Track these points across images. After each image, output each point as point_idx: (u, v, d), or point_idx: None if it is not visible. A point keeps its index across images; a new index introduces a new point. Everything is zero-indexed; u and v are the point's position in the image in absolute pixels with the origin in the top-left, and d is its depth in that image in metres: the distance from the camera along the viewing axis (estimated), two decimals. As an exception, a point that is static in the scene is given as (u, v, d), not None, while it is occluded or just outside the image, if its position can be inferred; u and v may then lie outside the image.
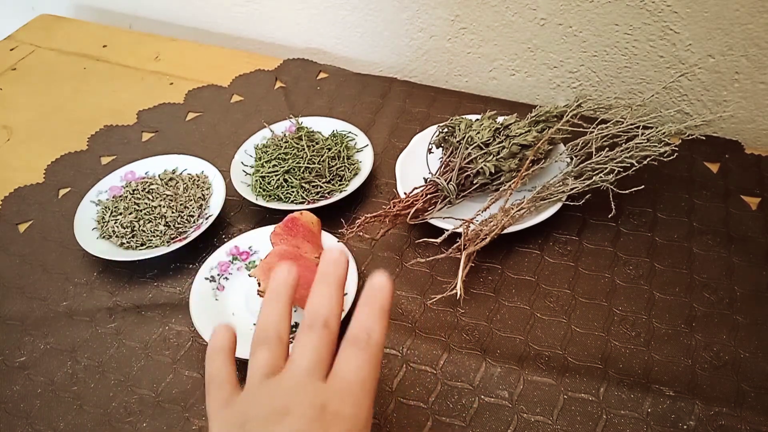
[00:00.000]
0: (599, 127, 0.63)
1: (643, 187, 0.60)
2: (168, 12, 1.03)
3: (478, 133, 0.62)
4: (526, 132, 0.62)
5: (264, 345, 0.36)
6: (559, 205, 0.61)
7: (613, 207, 0.59)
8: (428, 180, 0.62)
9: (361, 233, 0.59)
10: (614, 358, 0.52)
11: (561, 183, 0.61)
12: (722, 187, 0.66)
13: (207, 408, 0.35)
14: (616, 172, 0.59)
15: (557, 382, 0.51)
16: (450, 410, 0.50)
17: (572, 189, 0.60)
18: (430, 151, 0.66)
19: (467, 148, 0.62)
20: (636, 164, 0.59)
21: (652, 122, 0.63)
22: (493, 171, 0.61)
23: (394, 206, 0.60)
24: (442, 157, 0.64)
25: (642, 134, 0.61)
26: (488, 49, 0.81)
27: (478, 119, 0.65)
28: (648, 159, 0.59)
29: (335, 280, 0.37)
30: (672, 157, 0.59)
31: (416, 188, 0.61)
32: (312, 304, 0.36)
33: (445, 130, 0.65)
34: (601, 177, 0.59)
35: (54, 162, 0.77)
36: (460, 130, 0.64)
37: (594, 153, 0.61)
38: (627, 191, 0.59)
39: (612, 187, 0.59)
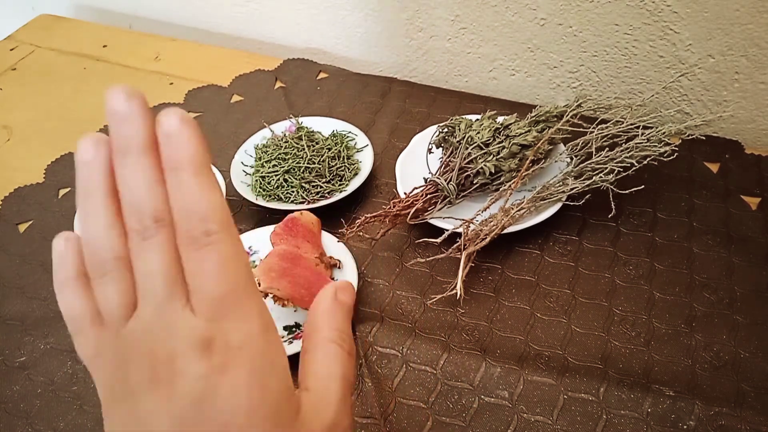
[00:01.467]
0: (599, 127, 0.63)
1: (643, 187, 0.60)
2: (168, 12, 1.03)
3: (478, 133, 0.62)
4: (526, 132, 0.62)
5: (103, 275, 0.26)
6: (559, 205, 0.61)
7: (613, 207, 0.59)
8: (428, 180, 0.62)
9: (361, 233, 0.59)
10: (614, 358, 0.52)
11: (561, 183, 0.61)
12: (722, 187, 0.66)
13: (80, 357, 0.27)
14: (616, 172, 0.59)
15: (557, 382, 0.51)
16: (450, 410, 0.50)
17: (572, 189, 0.60)
18: (430, 151, 0.66)
19: (467, 148, 0.62)
20: (636, 164, 0.59)
21: (652, 122, 0.63)
22: (493, 171, 0.61)
23: (394, 206, 0.60)
24: (442, 157, 0.64)
25: (642, 134, 0.61)
26: (488, 49, 0.81)
27: (478, 119, 0.65)
28: (648, 159, 0.59)
29: (137, 146, 0.24)
30: (672, 157, 0.59)
31: (416, 188, 0.61)
32: (129, 196, 0.25)
33: (445, 130, 0.65)
34: (601, 177, 0.59)
35: (54, 162, 0.77)
36: (460, 130, 0.64)
37: (594, 153, 0.61)
38: (627, 191, 0.59)
39: (612, 187, 0.59)
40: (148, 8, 1.04)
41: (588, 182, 0.60)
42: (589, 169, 0.61)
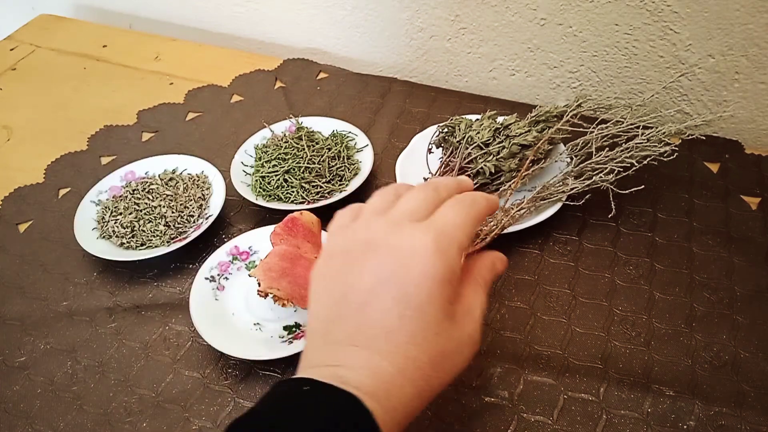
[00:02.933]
0: (599, 127, 0.63)
1: (643, 187, 0.60)
2: (168, 12, 1.03)
3: (478, 133, 0.62)
4: (526, 132, 0.62)
5: (379, 194, 0.42)
6: (559, 205, 0.61)
7: (613, 207, 0.59)
8: (428, 180, 0.62)
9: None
10: (614, 358, 0.52)
11: (561, 183, 0.61)
12: (722, 187, 0.66)
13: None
14: (616, 172, 0.59)
15: (557, 382, 0.51)
16: (450, 410, 0.50)
17: (572, 189, 0.60)
18: (430, 151, 0.66)
19: (467, 148, 0.62)
20: (636, 164, 0.59)
21: (652, 122, 0.63)
22: (493, 171, 0.61)
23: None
24: (442, 157, 0.64)
25: (642, 134, 0.61)
26: (488, 49, 0.81)
27: (478, 119, 0.65)
28: (648, 159, 0.59)
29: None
30: (672, 157, 0.59)
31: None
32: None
33: (445, 130, 0.65)
34: (601, 177, 0.59)
35: (54, 162, 0.77)
36: (460, 130, 0.64)
37: (594, 153, 0.61)
38: (627, 191, 0.59)
39: (612, 187, 0.59)
40: (148, 8, 1.04)
41: (588, 182, 0.60)
42: (589, 169, 0.61)
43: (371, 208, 0.42)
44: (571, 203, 0.61)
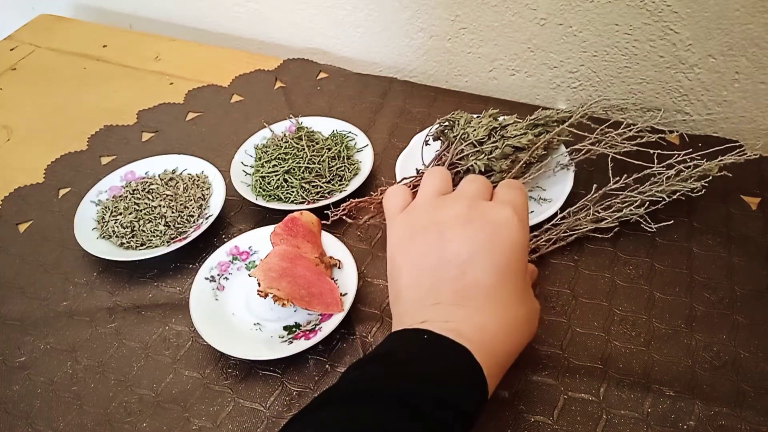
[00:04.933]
0: (600, 131, 0.63)
1: (672, 221, 0.60)
2: (168, 12, 1.03)
3: (475, 130, 0.62)
4: (521, 134, 0.62)
5: (433, 176, 0.46)
6: (559, 205, 0.61)
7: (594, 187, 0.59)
8: (419, 171, 0.62)
9: (360, 233, 0.59)
10: (614, 358, 0.52)
11: (590, 214, 0.60)
12: (722, 187, 0.65)
13: (386, 211, 0.47)
14: (646, 204, 0.59)
15: (557, 382, 0.51)
16: (450, 410, 0.50)
17: (602, 222, 0.59)
18: (426, 143, 0.66)
19: (461, 144, 0.61)
20: (666, 198, 0.59)
21: (652, 122, 0.63)
22: (483, 170, 0.60)
23: (381, 194, 0.60)
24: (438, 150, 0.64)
25: (674, 174, 0.60)
26: (488, 49, 0.81)
27: (479, 116, 0.65)
28: (677, 194, 0.59)
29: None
30: (700, 193, 0.60)
31: (406, 178, 0.61)
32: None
33: (445, 123, 0.64)
34: (631, 210, 0.59)
35: (54, 162, 0.77)
36: (459, 125, 0.63)
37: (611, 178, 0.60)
38: (657, 225, 0.59)
39: (641, 220, 0.59)
40: (148, 8, 1.04)
41: (618, 215, 0.59)
42: (618, 201, 0.60)
43: (429, 191, 0.46)
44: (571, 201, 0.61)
